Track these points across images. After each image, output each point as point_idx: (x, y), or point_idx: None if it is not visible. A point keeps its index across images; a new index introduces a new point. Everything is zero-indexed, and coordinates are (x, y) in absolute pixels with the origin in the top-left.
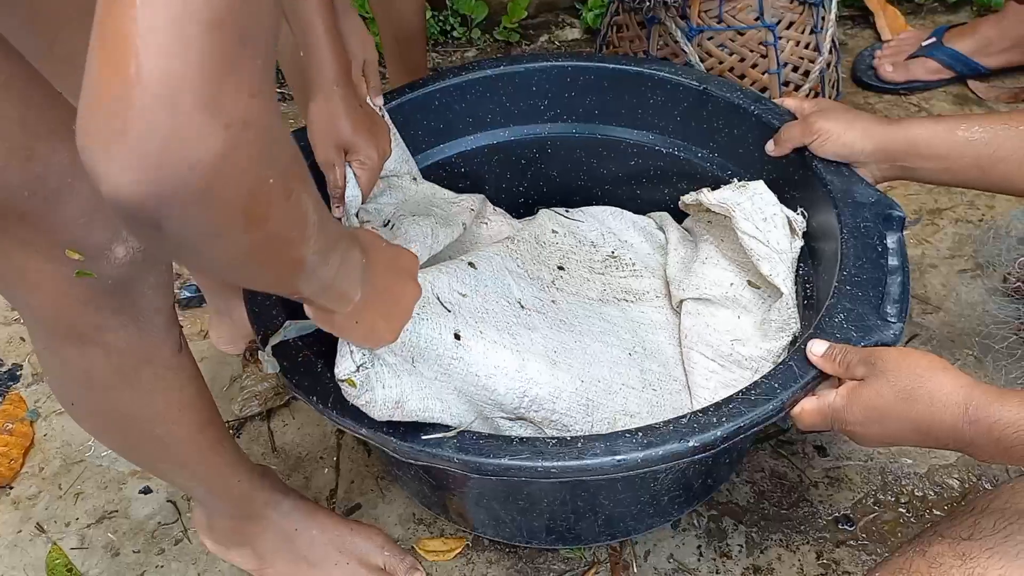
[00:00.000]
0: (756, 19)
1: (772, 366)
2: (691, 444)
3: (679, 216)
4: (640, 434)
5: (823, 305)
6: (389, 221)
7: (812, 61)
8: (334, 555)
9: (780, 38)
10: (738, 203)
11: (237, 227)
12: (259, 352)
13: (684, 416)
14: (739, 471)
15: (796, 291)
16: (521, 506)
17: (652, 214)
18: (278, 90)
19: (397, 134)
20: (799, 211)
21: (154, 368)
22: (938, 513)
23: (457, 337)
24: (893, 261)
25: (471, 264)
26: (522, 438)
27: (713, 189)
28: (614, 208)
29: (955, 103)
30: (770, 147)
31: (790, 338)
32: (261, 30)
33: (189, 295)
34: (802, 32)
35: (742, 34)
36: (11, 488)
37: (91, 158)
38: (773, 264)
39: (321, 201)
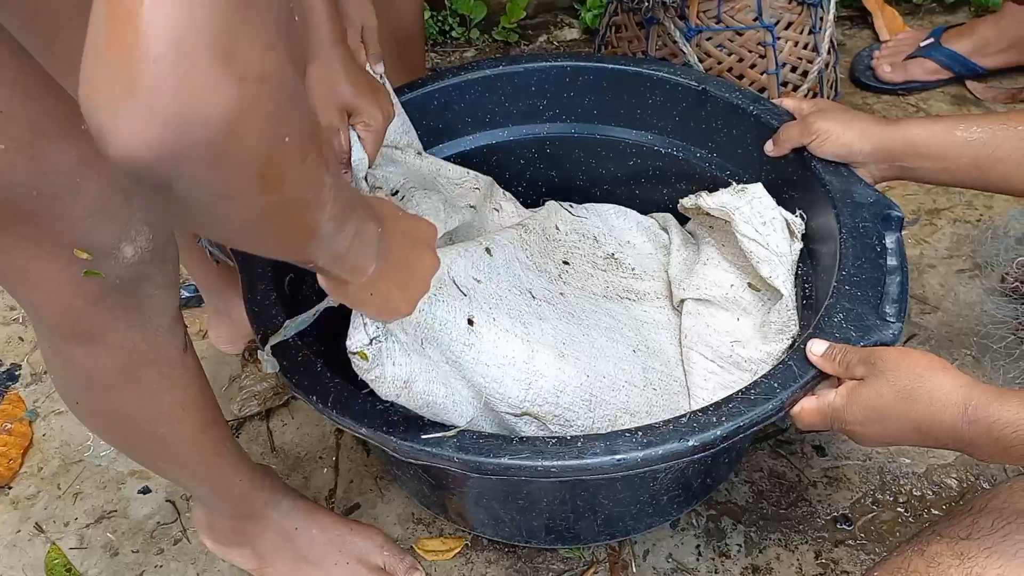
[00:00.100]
0: (754, 19)
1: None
2: (691, 443)
3: (682, 219)
4: (640, 433)
5: (822, 305)
6: (398, 191)
7: (810, 61)
8: (334, 555)
9: (778, 38)
10: (737, 207)
11: (252, 188)
12: (258, 352)
13: (684, 415)
14: (738, 471)
15: (796, 293)
16: (520, 505)
17: (656, 215)
18: None
19: (398, 101)
20: (797, 213)
21: (159, 367)
22: (936, 513)
23: (470, 322)
24: (892, 261)
25: (488, 250)
26: (522, 437)
27: (712, 190)
28: (619, 207)
29: (953, 103)
30: (769, 147)
31: (789, 341)
32: None
33: (188, 295)
34: (800, 32)
35: (740, 34)
36: (10, 488)
37: (95, 113)
38: (773, 267)
39: (337, 164)
